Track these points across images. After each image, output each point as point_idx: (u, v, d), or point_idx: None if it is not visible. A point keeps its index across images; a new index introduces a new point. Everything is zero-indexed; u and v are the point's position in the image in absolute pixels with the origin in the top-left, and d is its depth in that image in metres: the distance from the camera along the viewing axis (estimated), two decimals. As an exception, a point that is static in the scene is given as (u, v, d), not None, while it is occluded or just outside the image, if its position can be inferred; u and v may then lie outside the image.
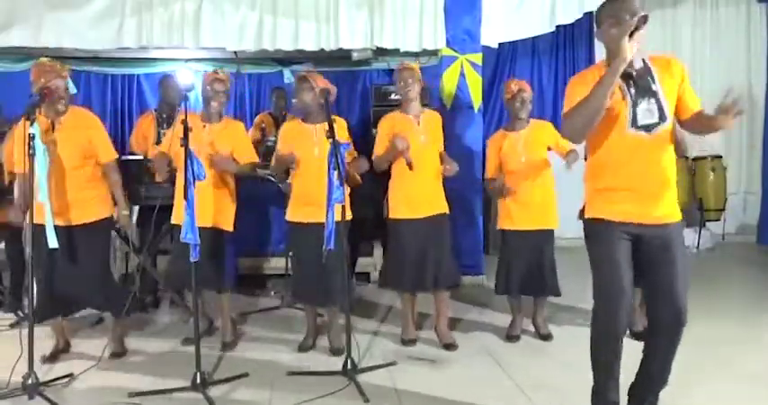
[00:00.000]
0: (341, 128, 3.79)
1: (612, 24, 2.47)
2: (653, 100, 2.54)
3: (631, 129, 2.53)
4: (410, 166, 3.91)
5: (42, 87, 3.56)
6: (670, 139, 2.59)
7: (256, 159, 4.13)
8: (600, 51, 6.01)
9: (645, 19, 2.39)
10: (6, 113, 5.03)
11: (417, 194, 4.00)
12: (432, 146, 4.03)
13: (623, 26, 2.40)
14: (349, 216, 3.86)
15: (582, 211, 2.73)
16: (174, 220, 3.93)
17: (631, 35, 2.39)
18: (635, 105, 2.53)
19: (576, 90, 2.57)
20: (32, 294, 3.33)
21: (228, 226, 4.02)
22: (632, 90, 2.52)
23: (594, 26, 2.62)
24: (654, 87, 2.55)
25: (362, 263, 5.71)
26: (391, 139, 3.88)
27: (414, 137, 3.95)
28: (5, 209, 4.47)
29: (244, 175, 4.08)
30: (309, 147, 3.81)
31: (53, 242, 3.41)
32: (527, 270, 4.11)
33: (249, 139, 4.25)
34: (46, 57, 6.59)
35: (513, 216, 4.13)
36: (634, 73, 2.54)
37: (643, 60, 2.57)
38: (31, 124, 3.29)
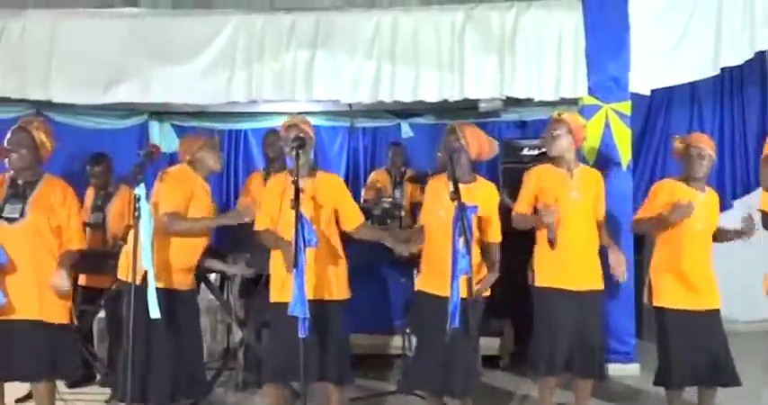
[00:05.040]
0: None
1: None
2: None
3: None
4: (551, 243, 3.97)
5: (151, 146, 3.91)
6: None
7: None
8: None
9: None
10: (116, 173, 5.52)
11: (570, 261, 4.01)
12: (585, 205, 4.08)
13: None
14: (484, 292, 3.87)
15: None
16: (273, 297, 3.88)
17: None
18: None
19: None
20: (129, 368, 3.54)
21: (341, 294, 3.95)
22: None
23: None
24: None
25: (490, 344, 5.59)
26: (540, 209, 3.95)
27: (564, 192, 4.05)
28: (108, 273, 4.82)
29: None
30: (437, 206, 3.84)
31: (155, 312, 3.62)
32: (696, 357, 3.98)
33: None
34: (153, 112, 7.25)
35: (678, 293, 4.03)
36: None
37: None
38: (137, 185, 3.57)
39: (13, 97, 5.77)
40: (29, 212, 3.77)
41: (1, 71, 5.66)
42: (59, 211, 3.90)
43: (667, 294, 4.07)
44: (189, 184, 4.05)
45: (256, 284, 4.52)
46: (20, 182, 3.85)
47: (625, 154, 5.62)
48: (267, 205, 3.92)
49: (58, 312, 3.86)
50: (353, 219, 4.01)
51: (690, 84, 6.30)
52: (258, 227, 3.95)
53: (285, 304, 3.53)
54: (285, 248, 3.71)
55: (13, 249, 3.73)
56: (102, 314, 5.27)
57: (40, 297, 3.78)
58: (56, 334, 3.84)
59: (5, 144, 3.84)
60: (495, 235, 3.95)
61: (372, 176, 6.95)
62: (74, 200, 4.01)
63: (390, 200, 6.28)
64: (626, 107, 5.65)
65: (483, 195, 3.88)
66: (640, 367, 5.42)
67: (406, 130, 7.47)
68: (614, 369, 5.38)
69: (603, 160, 5.59)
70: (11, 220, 3.75)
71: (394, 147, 7.04)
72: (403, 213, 6.07)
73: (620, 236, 5.32)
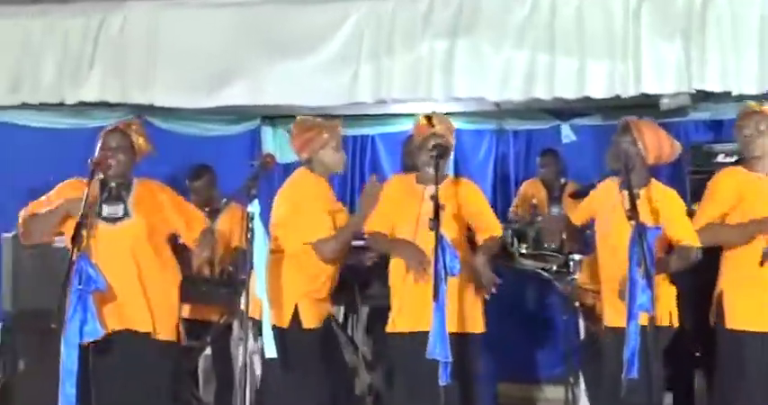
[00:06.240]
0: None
1: None
2: None
3: None
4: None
5: (265, 156, 3.88)
6: None
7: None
8: None
9: None
10: (223, 187, 5.49)
11: None
12: None
13: None
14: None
15: None
16: (390, 327, 3.96)
17: None
18: None
19: None
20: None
21: (479, 326, 4.00)
22: None
23: None
24: None
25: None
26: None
27: (764, 202, 4.04)
28: (215, 303, 4.80)
29: None
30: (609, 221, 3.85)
31: (271, 350, 3.61)
32: None
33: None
34: (266, 116, 7.30)
35: None
36: None
37: None
38: (251, 201, 3.54)
39: (112, 101, 5.79)
40: (133, 212, 3.84)
41: (100, 70, 5.64)
42: (166, 209, 4.03)
43: None
44: (308, 198, 4.08)
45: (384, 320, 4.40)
46: (112, 184, 3.92)
47: None
48: (384, 208, 4.06)
49: (169, 328, 3.91)
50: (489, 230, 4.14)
51: None
52: (370, 228, 4.02)
53: (411, 335, 3.67)
54: (409, 253, 3.81)
55: (115, 253, 3.77)
56: (208, 351, 5.28)
57: (150, 307, 3.81)
58: (166, 352, 3.90)
59: (100, 148, 3.90)
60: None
61: (524, 188, 6.73)
62: (174, 192, 4.22)
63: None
64: None
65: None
66: None
67: (567, 134, 7.15)
68: None
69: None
70: (113, 220, 3.80)
71: (547, 156, 6.81)
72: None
73: None
